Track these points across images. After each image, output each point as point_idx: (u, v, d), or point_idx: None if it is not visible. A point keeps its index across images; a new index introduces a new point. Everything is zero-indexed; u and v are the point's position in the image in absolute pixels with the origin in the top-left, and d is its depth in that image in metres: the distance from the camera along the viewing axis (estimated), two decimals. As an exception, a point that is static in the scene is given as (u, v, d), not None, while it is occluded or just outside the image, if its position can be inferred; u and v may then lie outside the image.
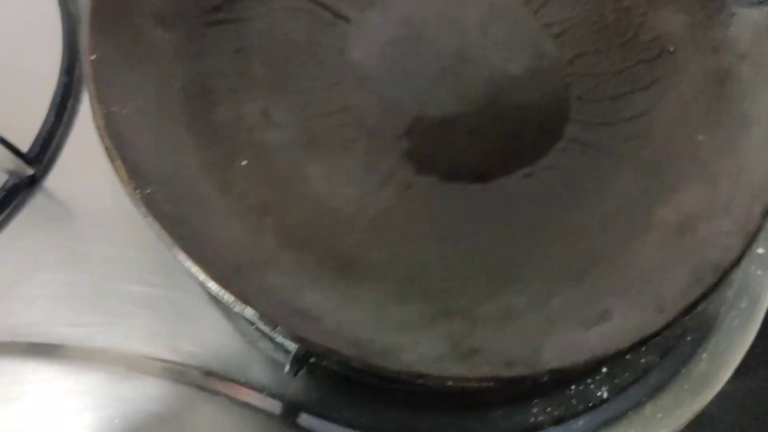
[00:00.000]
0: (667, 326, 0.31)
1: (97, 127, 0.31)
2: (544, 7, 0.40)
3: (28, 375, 0.36)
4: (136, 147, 0.32)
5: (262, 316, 0.29)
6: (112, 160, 0.31)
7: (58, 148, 0.41)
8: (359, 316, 0.31)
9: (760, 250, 0.40)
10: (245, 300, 0.29)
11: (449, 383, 0.29)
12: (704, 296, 0.31)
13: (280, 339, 0.37)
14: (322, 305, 0.31)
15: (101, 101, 0.32)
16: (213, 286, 0.29)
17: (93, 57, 0.32)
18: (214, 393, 0.36)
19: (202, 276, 0.29)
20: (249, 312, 0.29)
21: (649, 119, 0.38)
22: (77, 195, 0.40)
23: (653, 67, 0.39)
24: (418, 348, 0.30)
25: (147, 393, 0.36)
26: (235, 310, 0.29)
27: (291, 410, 0.36)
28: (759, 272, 0.40)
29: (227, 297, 0.29)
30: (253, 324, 0.37)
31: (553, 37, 0.40)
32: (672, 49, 0.39)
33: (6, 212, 0.39)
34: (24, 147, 0.39)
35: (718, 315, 0.39)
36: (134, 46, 0.34)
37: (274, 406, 0.36)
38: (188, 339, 0.37)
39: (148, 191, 0.31)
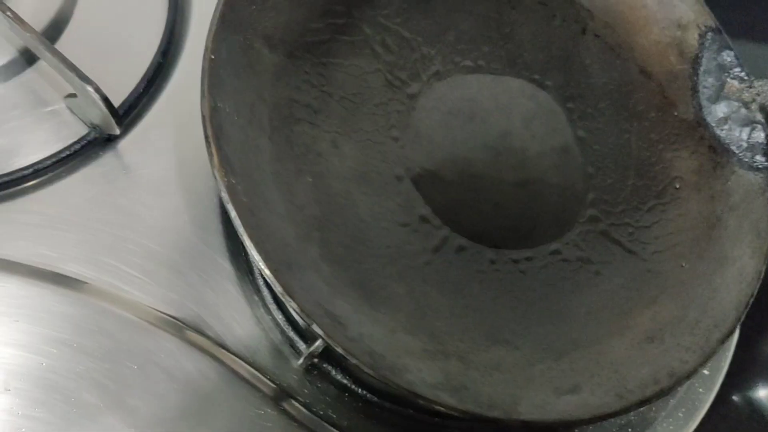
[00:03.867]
0: (623, 411, 0.37)
1: (203, 116, 0.36)
2: (581, 120, 0.47)
3: (53, 302, 0.40)
4: (229, 141, 0.37)
5: (301, 312, 0.34)
6: (208, 146, 0.36)
7: (138, 117, 0.46)
8: (375, 333, 0.36)
9: (706, 371, 0.47)
10: (290, 293, 0.34)
11: (440, 408, 0.34)
12: (657, 396, 0.38)
13: (291, 333, 0.41)
14: (348, 315, 0.36)
15: (211, 95, 0.37)
16: (267, 274, 0.34)
17: (212, 56, 0.38)
18: (222, 364, 0.40)
19: (260, 264, 0.34)
20: (291, 304, 0.34)
21: (647, 236, 0.44)
22: (142, 162, 0.45)
23: (659, 194, 0.45)
24: (420, 373, 0.35)
25: (165, 348, 0.40)
26: (281, 299, 0.34)
27: (282, 395, 0.41)
28: (701, 390, 0.46)
29: (276, 286, 0.34)
30: (269, 314, 0.42)
31: (582, 145, 0.46)
32: (677, 186, 0.45)
33: (78, 160, 0.44)
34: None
35: (657, 418, 0.45)
36: (244, 57, 0.40)
37: (269, 389, 0.41)
38: (209, 312, 0.42)
39: (233, 181, 0.36)
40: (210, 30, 0.38)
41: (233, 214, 0.35)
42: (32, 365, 0.38)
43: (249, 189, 0.37)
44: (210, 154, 0.36)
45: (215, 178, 0.36)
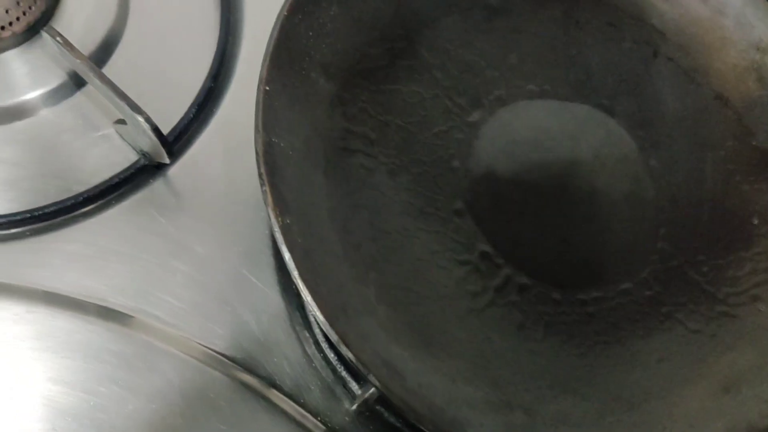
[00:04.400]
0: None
1: (257, 153, 0.35)
2: (653, 148, 0.44)
3: (101, 338, 0.39)
4: (283, 178, 0.35)
5: (357, 362, 0.32)
6: (262, 184, 0.34)
7: (188, 143, 0.44)
8: (435, 383, 0.35)
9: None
10: (346, 342, 0.33)
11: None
12: (735, 453, 0.35)
13: (344, 373, 0.40)
14: (405, 363, 0.35)
15: (265, 129, 0.35)
16: (322, 320, 0.33)
17: (267, 88, 0.36)
18: (272, 404, 0.39)
19: (316, 311, 0.33)
20: (347, 354, 0.33)
21: (723, 276, 0.41)
22: (192, 190, 0.44)
23: (736, 230, 0.43)
24: (482, 428, 0.33)
25: (214, 388, 0.39)
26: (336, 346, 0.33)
27: (334, 439, 0.39)
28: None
29: (332, 335, 0.33)
30: (321, 353, 0.41)
31: (653, 175, 0.44)
32: (755, 222, 0.43)
33: (127, 188, 0.43)
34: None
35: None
36: (300, 88, 0.38)
37: (319, 429, 0.39)
38: (258, 349, 0.41)
39: (288, 221, 0.34)
40: (264, 60, 0.37)
41: (287, 256, 0.33)
42: (80, 404, 0.37)
43: (304, 228, 0.35)
44: (264, 192, 0.34)
45: (269, 217, 0.34)
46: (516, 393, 0.36)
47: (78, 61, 0.40)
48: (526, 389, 0.36)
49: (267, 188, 0.34)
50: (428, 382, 0.34)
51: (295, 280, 0.33)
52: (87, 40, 0.44)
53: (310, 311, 0.33)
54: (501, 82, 0.44)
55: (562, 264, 0.41)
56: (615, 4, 0.47)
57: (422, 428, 0.36)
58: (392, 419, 0.39)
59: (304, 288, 0.33)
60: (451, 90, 0.43)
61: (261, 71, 0.36)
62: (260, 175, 0.35)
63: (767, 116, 0.45)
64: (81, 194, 0.41)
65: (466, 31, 0.44)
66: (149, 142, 0.41)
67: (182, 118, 0.44)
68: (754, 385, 0.38)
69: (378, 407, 0.40)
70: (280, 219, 0.34)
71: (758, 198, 0.43)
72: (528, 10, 0.45)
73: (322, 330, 0.40)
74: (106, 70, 0.44)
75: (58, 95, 0.44)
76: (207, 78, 0.45)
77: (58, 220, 0.41)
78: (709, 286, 0.41)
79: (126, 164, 0.43)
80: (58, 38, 0.40)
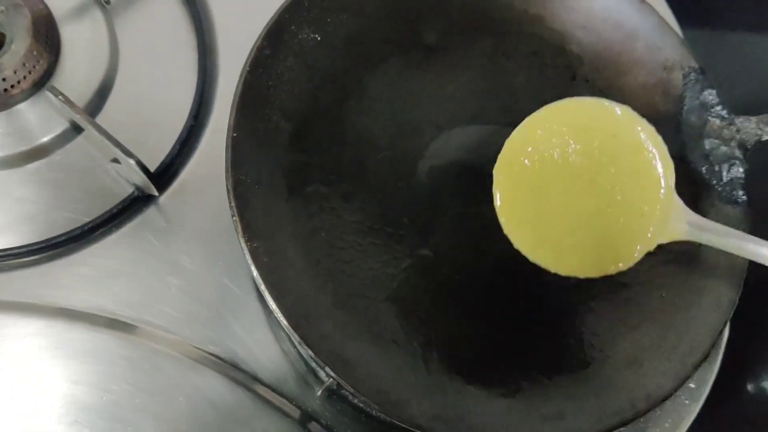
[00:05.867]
0: (603, 433, 0.42)
1: (228, 189, 0.42)
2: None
3: (112, 346, 0.47)
4: (252, 209, 0.43)
5: (316, 358, 0.40)
6: (233, 215, 0.42)
7: (174, 175, 0.52)
8: (381, 372, 0.42)
9: (692, 385, 0.52)
10: (307, 343, 0.40)
11: (437, 438, 0.40)
12: (634, 418, 0.43)
13: (313, 364, 0.48)
14: (357, 356, 0.42)
15: (234, 168, 0.43)
16: (285, 325, 0.40)
17: (234, 134, 0.43)
18: (256, 394, 0.47)
19: (280, 317, 0.40)
20: (306, 352, 0.40)
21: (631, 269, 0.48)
22: (180, 216, 0.51)
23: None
24: (420, 406, 0.41)
25: (208, 382, 0.46)
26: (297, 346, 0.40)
27: (307, 419, 0.47)
28: (686, 401, 0.51)
29: (294, 336, 0.40)
30: (294, 347, 0.48)
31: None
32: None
33: (124, 217, 0.50)
34: (150, 169, 0.50)
35: (646, 428, 0.50)
36: (263, 131, 0.45)
37: (295, 412, 0.47)
38: (243, 348, 0.48)
39: (255, 244, 0.42)
40: (231, 109, 0.44)
41: (255, 273, 0.41)
42: (96, 400, 0.45)
43: (270, 249, 0.43)
44: (234, 222, 0.42)
45: (239, 242, 0.42)
46: (450, 377, 0.43)
47: (77, 115, 0.48)
48: (458, 373, 0.44)
49: (237, 218, 0.42)
50: (376, 372, 0.42)
51: (263, 293, 0.41)
52: (84, 91, 0.52)
53: (277, 318, 0.41)
54: (439, 111, 0.51)
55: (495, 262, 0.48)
56: (538, 34, 0.53)
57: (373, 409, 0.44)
58: (356, 400, 0.47)
59: (270, 299, 0.41)
60: (396, 120, 0.50)
61: (229, 120, 0.44)
62: (231, 207, 0.42)
63: (671, 128, 0.51)
64: (87, 224, 0.49)
65: (408, 69, 0.51)
66: (140, 178, 0.48)
67: (168, 154, 0.51)
68: (653, 360, 0.45)
69: (343, 391, 0.47)
70: (249, 244, 0.42)
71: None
72: (461, 46, 0.52)
73: (289, 331, 0.48)
74: (102, 115, 0.52)
75: (62, 140, 0.52)
76: (188, 117, 0.53)
77: (69, 247, 0.49)
78: (621, 277, 0.48)
79: (123, 195, 0.50)
80: (59, 96, 0.47)
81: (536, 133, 0.43)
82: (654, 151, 0.43)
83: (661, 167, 0.43)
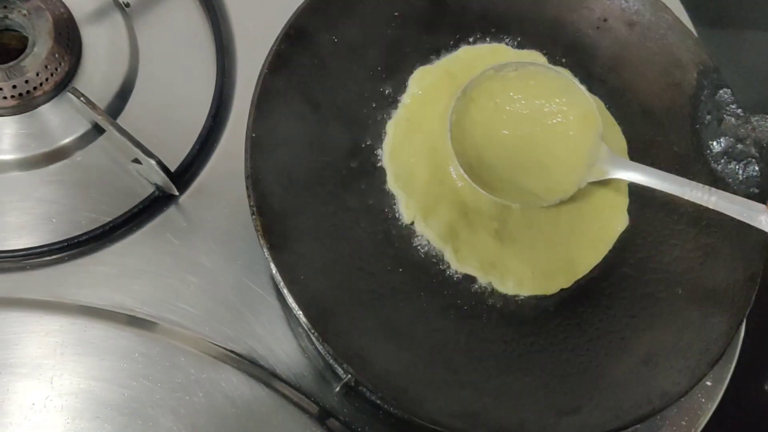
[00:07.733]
0: (619, 429, 0.42)
1: (246, 187, 0.43)
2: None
3: (132, 342, 0.48)
4: (270, 207, 0.43)
5: (334, 354, 0.41)
6: (252, 214, 0.43)
7: (194, 175, 0.53)
8: (398, 368, 0.43)
9: (709, 383, 0.52)
10: (325, 339, 0.41)
11: (454, 433, 0.40)
12: (650, 415, 0.43)
13: (331, 361, 0.48)
14: (374, 353, 0.43)
15: (253, 168, 0.43)
16: (304, 321, 0.41)
17: (253, 134, 0.44)
18: (274, 390, 0.47)
19: (299, 315, 0.41)
20: (325, 348, 0.41)
21: (646, 264, 0.49)
22: (199, 215, 0.52)
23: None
24: (437, 402, 0.42)
25: (226, 378, 0.47)
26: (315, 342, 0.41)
27: (325, 415, 0.48)
28: (702, 400, 0.51)
29: (313, 333, 0.41)
30: (312, 344, 0.49)
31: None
32: (675, 216, 0.50)
33: (145, 216, 0.51)
34: (171, 169, 0.51)
35: (663, 426, 0.50)
36: (281, 132, 0.46)
37: (314, 409, 0.48)
38: (261, 344, 0.49)
39: (274, 243, 0.42)
40: (250, 111, 0.45)
41: (274, 270, 0.42)
42: (117, 396, 0.46)
43: (288, 248, 0.43)
44: (254, 220, 0.43)
45: (258, 241, 0.42)
46: (466, 373, 0.44)
47: (99, 116, 0.48)
48: (474, 369, 0.44)
49: (256, 217, 0.43)
50: (393, 368, 0.42)
51: (281, 290, 0.42)
52: (105, 93, 0.53)
53: (296, 314, 0.41)
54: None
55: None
56: (553, 36, 0.54)
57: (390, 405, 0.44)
58: (374, 397, 0.48)
59: (289, 296, 0.41)
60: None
61: (248, 120, 0.44)
62: (250, 206, 0.43)
63: (685, 125, 0.52)
64: (108, 223, 0.49)
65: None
66: (160, 178, 0.49)
67: (188, 154, 0.52)
68: (669, 358, 0.45)
69: (361, 387, 0.48)
70: (267, 242, 0.42)
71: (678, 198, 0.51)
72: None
73: (308, 328, 0.48)
74: (123, 116, 0.53)
75: (84, 141, 0.52)
76: (207, 118, 0.53)
77: (90, 246, 0.50)
78: (636, 270, 0.49)
79: (144, 195, 0.51)
80: (81, 98, 0.48)
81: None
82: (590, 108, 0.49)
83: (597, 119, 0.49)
